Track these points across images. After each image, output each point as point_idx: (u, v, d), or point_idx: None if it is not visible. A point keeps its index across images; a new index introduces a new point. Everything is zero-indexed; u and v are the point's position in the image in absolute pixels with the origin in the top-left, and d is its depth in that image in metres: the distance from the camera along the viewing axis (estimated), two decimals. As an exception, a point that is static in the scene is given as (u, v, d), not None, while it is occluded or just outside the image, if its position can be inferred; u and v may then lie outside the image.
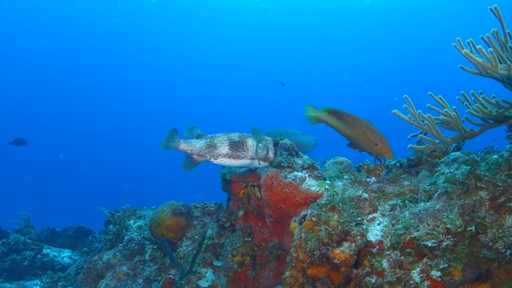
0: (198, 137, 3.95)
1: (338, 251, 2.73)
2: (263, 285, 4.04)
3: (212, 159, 3.94)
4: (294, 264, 2.93)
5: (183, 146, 3.89)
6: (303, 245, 2.90)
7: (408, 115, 3.11)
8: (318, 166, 4.02)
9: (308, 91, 49.23)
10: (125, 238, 5.07)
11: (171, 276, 4.42)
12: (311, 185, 3.70)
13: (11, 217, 10.81)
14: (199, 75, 50.91)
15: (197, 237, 4.71)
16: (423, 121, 3.12)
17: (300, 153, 4.17)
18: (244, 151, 3.88)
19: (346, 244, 2.77)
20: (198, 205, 5.34)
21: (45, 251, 9.57)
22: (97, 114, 49.96)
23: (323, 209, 2.89)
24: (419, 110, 3.09)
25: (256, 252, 4.05)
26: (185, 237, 4.77)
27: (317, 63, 47.84)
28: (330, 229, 2.78)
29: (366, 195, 3.31)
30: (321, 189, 3.61)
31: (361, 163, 4.45)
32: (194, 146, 3.89)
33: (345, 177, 3.73)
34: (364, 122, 3.48)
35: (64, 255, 9.88)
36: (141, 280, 4.61)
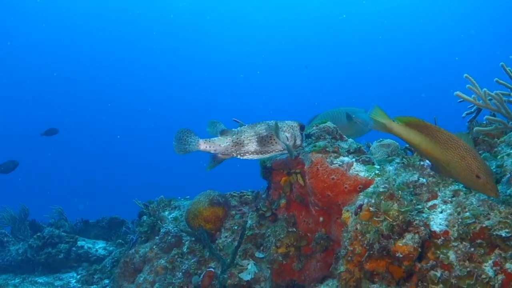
0: (222, 133, 3.58)
1: (400, 244, 2.49)
2: (309, 277, 3.82)
3: (239, 156, 3.61)
4: (350, 258, 2.69)
5: (205, 146, 3.52)
6: (359, 237, 2.65)
7: (473, 96, 2.81)
8: (365, 150, 3.76)
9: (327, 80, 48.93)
10: (162, 230, 4.90)
11: (212, 269, 4.24)
12: (360, 170, 3.45)
13: (44, 211, 10.85)
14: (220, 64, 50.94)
15: (236, 227, 4.51)
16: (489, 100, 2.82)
17: (345, 136, 3.91)
18: (272, 145, 3.55)
19: (409, 236, 2.51)
20: (234, 194, 5.14)
21: (79, 243, 9.55)
22: (125, 109, 50.45)
23: (381, 198, 2.64)
24: (484, 89, 2.79)
25: (301, 243, 3.83)
26: (224, 228, 4.58)
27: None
28: (391, 220, 2.53)
29: (424, 180, 3.04)
30: (371, 175, 3.35)
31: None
32: (218, 145, 3.53)
33: (396, 160, 3.46)
34: (463, 143, 2.57)
35: (99, 247, 9.86)
36: (180, 273, 4.44)
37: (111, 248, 9.78)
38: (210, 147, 3.52)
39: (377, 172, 3.35)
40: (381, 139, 4.38)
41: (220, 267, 4.28)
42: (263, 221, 4.42)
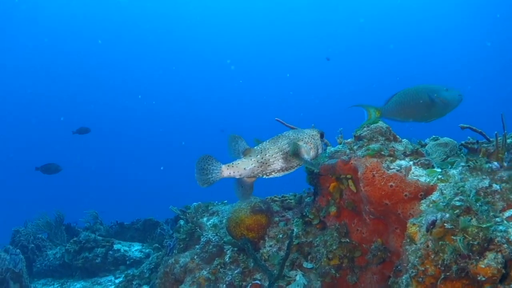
0: (245, 153, 3.32)
1: (482, 266, 2.18)
2: (365, 291, 3.54)
3: (264, 176, 3.38)
4: (421, 279, 2.39)
5: (229, 172, 3.26)
6: (432, 256, 2.35)
7: None
8: (423, 152, 3.43)
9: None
10: (202, 239, 4.67)
11: (258, 281, 4.00)
12: (420, 175, 3.13)
13: (79, 215, 10.84)
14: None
15: (281, 236, 4.24)
16: None
17: (398, 136, 3.59)
18: (298, 160, 3.32)
19: (491, 256, 2.20)
20: (276, 198, 4.88)
21: (116, 246, 9.47)
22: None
23: (457, 212, 2.33)
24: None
25: (355, 254, 3.54)
26: (268, 236, 4.32)
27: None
28: (470, 238, 2.22)
29: (497, 186, 2.71)
30: (432, 180, 3.04)
31: (467, 142, 3.82)
32: (243, 169, 3.27)
33: (460, 163, 3.13)
34: None
35: (135, 249, 9.76)
36: (224, 285, 4.21)
37: (147, 250, 9.67)
38: (234, 172, 3.26)
39: (439, 176, 3.03)
40: (434, 136, 4.04)
41: (266, 279, 4.04)
42: (309, 228, 4.15)
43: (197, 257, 4.64)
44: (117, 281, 8.76)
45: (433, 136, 4.02)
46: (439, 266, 2.31)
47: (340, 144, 3.86)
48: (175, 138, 49.59)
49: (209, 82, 51.90)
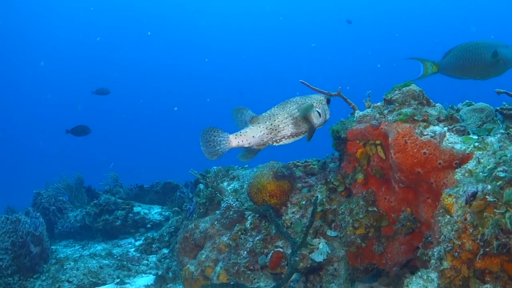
0: (252, 121, 3.19)
1: (528, 241, 2.01)
2: (391, 261, 3.40)
3: (275, 144, 3.26)
4: (457, 253, 2.24)
5: (238, 141, 3.14)
6: (471, 230, 2.19)
7: None
8: (458, 117, 3.22)
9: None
10: (222, 205, 4.57)
11: (280, 249, 3.89)
12: (455, 142, 2.94)
13: (99, 178, 10.88)
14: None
15: (304, 202, 4.11)
16: None
17: (432, 101, 3.38)
18: (307, 124, 3.24)
19: (536, 230, 2.03)
20: (298, 164, 4.72)
21: (135, 209, 9.52)
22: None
23: (500, 184, 2.15)
24: None
25: (382, 223, 3.39)
26: (290, 203, 4.19)
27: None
28: (514, 211, 2.04)
29: (541, 155, 2.51)
30: (469, 148, 2.84)
31: (503, 107, 3.60)
32: (252, 137, 3.15)
33: (500, 130, 2.92)
34: None
35: (155, 212, 9.81)
36: (245, 252, 4.12)
37: (166, 213, 9.71)
38: (243, 141, 3.15)
39: (476, 144, 2.83)
40: (467, 101, 3.81)
41: (288, 246, 3.93)
42: (333, 195, 4.00)
43: (217, 223, 4.55)
44: (137, 243, 8.83)
45: (466, 101, 3.79)
46: (478, 241, 2.15)
47: (369, 108, 3.66)
48: (196, 100, 49.62)
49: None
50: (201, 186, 6.56)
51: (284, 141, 3.27)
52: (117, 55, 49.26)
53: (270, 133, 3.17)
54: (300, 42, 49.87)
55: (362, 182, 3.52)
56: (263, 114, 3.26)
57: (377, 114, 3.34)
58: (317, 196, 3.91)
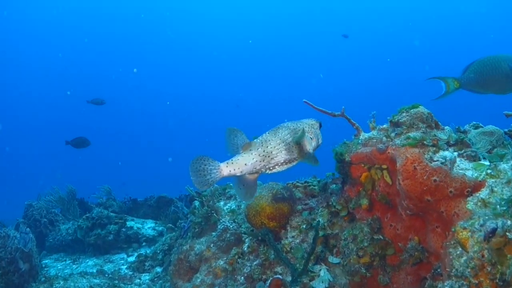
0: (244, 148, 3.02)
1: (554, 285, 1.85)
2: (397, 292, 3.23)
3: (268, 172, 3.08)
4: (474, 293, 2.07)
5: (229, 170, 2.94)
6: (489, 269, 2.03)
7: None
8: (468, 142, 3.07)
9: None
10: (219, 226, 4.39)
11: (279, 276, 3.70)
12: (465, 168, 2.78)
13: (92, 190, 10.68)
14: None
15: (304, 226, 3.93)
16: None
17: (440, 123, 3.23)
18: (300, 150, 3.07)
19: None
20: (298, 184, 4.56)
21: (128, 223, 9.30)
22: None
23: (521, 219, 1.99)
24: None
25: (388, 252, 3.22)
26: (290, 226, 4.02)
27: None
28: (539, 251, 1.88)
29: (561, 186, 2.35)
30: (481, 175, 2.68)
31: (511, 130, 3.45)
32: (244, 165, 2.96)
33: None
34: None
35: (148, 226, 9.59)
36: (242, 278, 3.93)
37: (160, 228, 9.50)
38: (235, 169, 2.95)
39: (488, 171, 2.68)
40: (474, 123, 3.66)
41: (287, 272, 3.75)
42: (335, 220, 3.83)
43: (213, 245, 4.36)
44: (129, 259, 8.60)
45: (474, 123, 3.65)
46: (497, 281, 1.99)
47: (373, 130, 3.51)
48: (192, 115, 49.43)
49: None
50: (196, 203, 6.37)
51: (277, 169, 3.10)
52: (112, 67, 49.09)
53: (263, 160, 3.01)
54: (299, 58, 49.87)
55: (366, 208, 3.36)
56: (255, 140, 3.11)
57: (384, 138, 3.18)
58: (319, 221, 3.74)
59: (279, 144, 3.03)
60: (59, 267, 8.78)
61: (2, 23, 43.14)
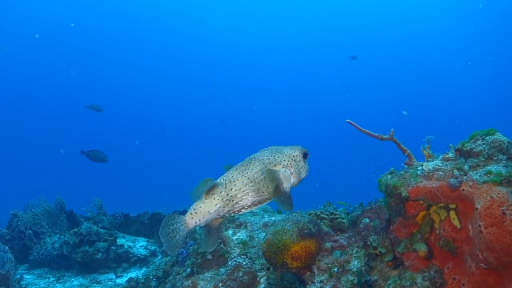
0: (207, 193, 2.62)
1: None
2: None
3: (235, 214, 2.72)
4: None
5: (194, 222, 2.61)
6: None
7: None
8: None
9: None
10: (230, 263, 3.69)
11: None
12: None
13: (82, 202, 9.99)
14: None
15: (336, 269, 3.25)
16: None
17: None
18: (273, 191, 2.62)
19: None
20: (323, 215, 3.89)
21: (119, 241, 8.61)
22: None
23: None
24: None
25: (450, 313, 2.55)
26: (317, 268, 3.33)
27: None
28: None
29: None
30: None
31: None
32: (207, 212, 2.59)
33: None
34: None
35: (140, 245, 8.90)
36: (257, 329, 3.24)
37: (153, 248, 8.81)
38: (200, 219, 2.61)
39: None
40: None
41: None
42: (374, 263, 3.16)
43: (222, 285, 3.65)
44: (118, 280, 7.90)
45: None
46: None
47: (429, 158, 2.87)
48: (188, 128, 48.68)
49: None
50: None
51: (244, 211, 2.70)
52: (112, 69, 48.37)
53: (227, 205, 2.61)
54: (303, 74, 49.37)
55: (424, 255, 2.69)
56: (219, 180, 2.69)
57: (456, 170, 2.52)
58: (361, 270, 3.05)
59: (246, 186, 2.61)
60: (42, 285, 8.07)
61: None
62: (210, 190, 2.62)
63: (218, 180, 2.71)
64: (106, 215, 9.46)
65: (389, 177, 2.93)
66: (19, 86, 45.27)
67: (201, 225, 2.66)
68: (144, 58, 48.90)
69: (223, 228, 4.35)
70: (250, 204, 2.65)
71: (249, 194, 2.61)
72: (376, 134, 3.06)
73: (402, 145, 3.08)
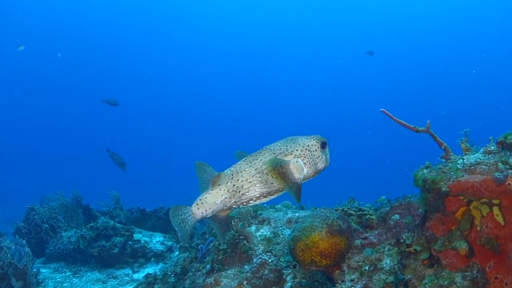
0: (213, 183, 2.58)
1: None
2: None
3: (242, 206, 2.67)
4: None
5: (201, 212, 2.58)
6: None
7: None
8: None
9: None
10: (254, 260, 3.57)
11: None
12: None
13: (99, 195, 9.97)
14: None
15: (367, 267, 3.12)
16: None
17: None
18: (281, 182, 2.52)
19: None
20: (351, 211, 3.76)
21: (135, 236, 8.58)
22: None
23: None
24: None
25: (493, 315, 2.41)
26: (347, 266, 3.20)
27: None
28: None
29: None
30: None
31: None
32: (213, 203, 2.56)
33: None
34: None
35: (156, 240, 8.85)
36: (284, 328, 3.12)
37: (169, 243, 8.76)
38: (206, 210, 2.59)
39: None
40: None
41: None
42: (407, 261, 3.03)
43: (247, 283, 3.53)
44: (135, 276, 7.86)
45: None
46: None
47: (467, 151, 2.73)
48: (202, 124, 48.64)
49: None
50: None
51: (253, 203, 2.63)
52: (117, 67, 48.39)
53: (233, 196, 2.56)
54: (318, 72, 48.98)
55: (465, 253, 2.55)
56: (226, 171, 2.63)
57: (500, 164, 2.38)
58: (397, 272, 2.91)
59: (253, 176, 2.53)
60: (58, 279, 8.07)
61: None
62: (215, 180, 2.57)
63: (226, 170, 2.65)
64: (122, 209, 9.42)
65: (425, 171, 2.79)
66: (34, 82, 45.58)
67: (208, 215, 2.61)
68: (159, 55, 48.98)
69: (246, 224, 4.24)
70: (258, 195, 2.58)
71: (257, 185, 2.54)
72: (412, 126, 2.93)
73: (438, 138, 2.95)
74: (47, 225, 9.37)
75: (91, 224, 8.46)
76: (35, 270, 7.06)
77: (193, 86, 49.84)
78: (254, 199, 2.61)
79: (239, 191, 2.54)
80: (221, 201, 2.55)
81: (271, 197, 2.66)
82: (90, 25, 44.95)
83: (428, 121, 2.91)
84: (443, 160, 2.87)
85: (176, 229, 2.61)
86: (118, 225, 8.51)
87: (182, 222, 2.59)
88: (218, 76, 49.94)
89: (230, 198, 2.55)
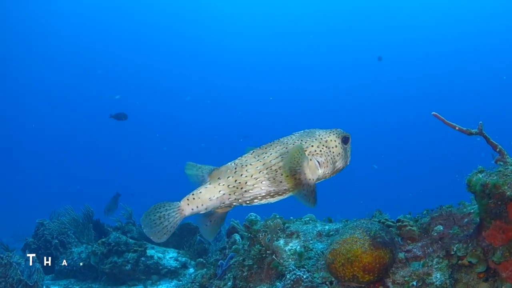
0: (211, 176, 2.32)
1: None
2: None
3: (245, 204, 2.39)
4: None
5: (191, 208, 2.31)
6: None
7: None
8: None
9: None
10: (288, 276, 3.31)
11: None
12: None
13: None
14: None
15: (415, 283, 2.86)
16: None
17: None
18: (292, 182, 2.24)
19: None
20: (389, 222, 3.50)
21: (148, 252, 8.33)
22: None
23: None
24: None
25: None
26: (392, 282, 2.94)
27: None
28: None
29: None
30: None
31: None
32: (208, 199, 2.28)
33: None
34: None
35: (170, 256, 8.61)
36: None
37: (183, 259, 8.52)
38: (198, 206, 2.30)
39: None
40: None
41: None
42: (459, 275, 2.77)
43: (280, 301, 3.29)
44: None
45: None
46: None
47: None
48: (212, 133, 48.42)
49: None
50: (237, 237, 5.34)
51: (259, 202, 2.34)
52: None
53: (234, 193, 2.26)
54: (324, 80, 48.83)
55: (533, 267, 2.29)
56: (228, 164, 2.35)
57: None
58: (448, 285, 2.66)
59: (260, 172, 2.23)
60: (68, 298, 7.83)
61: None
62: (215, 174, 2.32)
63: (229, 163, 2.37)
64: (135, 224, 9.19)
65: (480, 176, 2.55)
66: (40, 89, 45.69)
67: (200, 212, 2.34)
68: (166, 62, 49.08)
69: (274, 238, 3.99)
70: (264, 194, 2.29)
71: (263, 182, 2.24)
72: (464, 129, 2.71)
73: (492, 140, 2.72)
74: (57, 241, 9.15)
75: (103, 240, 8.23)
76: (45, 287, 6.83)
77: (200, 93, 49.80)
78: (259, 198, 2.32)
79: (241, 188, 2.26)
80: (217, 197, 2.28)
81: (280, 197, 2.38)
82: (94, 32, 45.19)
83: (480, 122, 2.68)
84: (499, 163, 2.64)
85: (142, 225, 2.37)
86: (130, 240, 8.28)
87: (157, 220, 2.30)
88: (222, 83, 50.03)
89: (230, 195, 2.28)
